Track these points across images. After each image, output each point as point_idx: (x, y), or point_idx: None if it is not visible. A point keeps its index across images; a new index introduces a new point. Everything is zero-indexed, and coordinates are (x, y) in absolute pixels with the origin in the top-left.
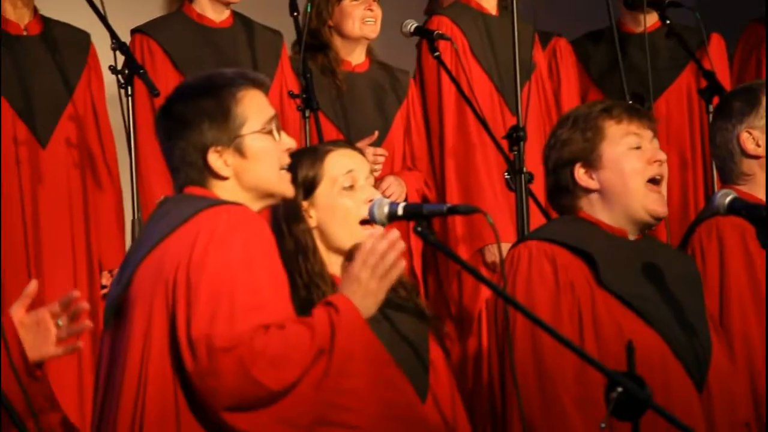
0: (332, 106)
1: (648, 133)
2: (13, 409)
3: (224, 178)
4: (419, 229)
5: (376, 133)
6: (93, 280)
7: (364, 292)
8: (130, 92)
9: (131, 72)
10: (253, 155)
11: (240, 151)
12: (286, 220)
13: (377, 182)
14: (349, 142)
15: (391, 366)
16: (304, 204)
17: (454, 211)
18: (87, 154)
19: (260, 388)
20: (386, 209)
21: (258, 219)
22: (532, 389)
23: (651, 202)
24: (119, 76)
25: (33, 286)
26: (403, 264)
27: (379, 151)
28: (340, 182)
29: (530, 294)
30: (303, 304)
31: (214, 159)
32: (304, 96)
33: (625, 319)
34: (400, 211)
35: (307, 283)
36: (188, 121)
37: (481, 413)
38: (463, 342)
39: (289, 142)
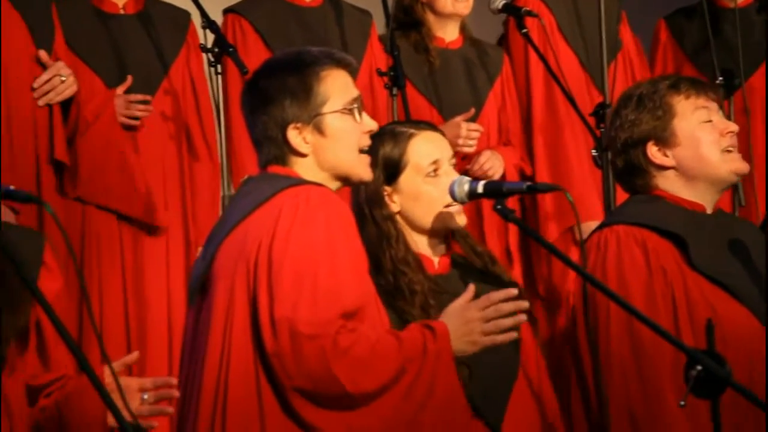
0: (425, 83)
1: (714, 105)
2: None
3: (303, 155)
4: (498, 207)
5: (473, 110)
6: (189, 255)
7: (465, 338)
8: (219, 70)
9: (221, 50)
10: (332, 134)
11: (319, 129)
12: (369, 206)
13: (474, 156)
14: (432, 124)
15: (466, 413)
16: (387, 189)
17: (533, 189)
18: (184, 129)
19: (335, 385)
20: (466, 187)
21: (338, 200)
22: (631, 379)
23: (732, 163)
24: (209, 54)
25: (134, 356)
26: (514, 336)
27: (474, 126)
28: (424, 170)
29: (623, 281)
30: (390, 290)
31: (293, 135)
32: (391, 74)
33: (717, 300)
34: (480, 189)
35: (393, 270)
36: (271, 97)
37: (564, 393)
38: (552, 322)
39: (370, 124)
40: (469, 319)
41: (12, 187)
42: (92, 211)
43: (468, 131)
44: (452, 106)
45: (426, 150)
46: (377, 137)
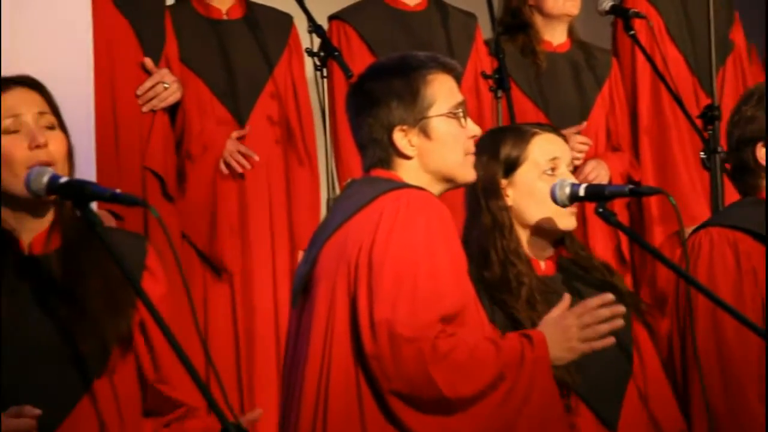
0: (532, 86)
1: None
2: None
3: (408, 158)
4: (600, 210)
5: (585, 123)
6: (294, 257)
7: (563, 345)
8: (325, 74)
9: (327, 54)
10: (438, 137)
11: (425, 133)
12: (485, 196)
13: (580, 167)
14: (555, 128)
15: (563, 421)
16: (503, 182)
17: (635, 192)
18: (287, 132)
19: (433, 389)
20: (568, 190)
21: (439, 204)
22: (715, 378)
23: None
24: (315, 58)
25: (257, 414)
26: (612, 341)
27: (582, 139)
28: (542, 166)
29: (712, 281)
30: (498, 282)
31: (399, 138)
32: (496, 77)
33: None
34: (581, 192)
35: (503, 260)
36: (377, 99)
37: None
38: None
39: (474, 130)
40: (566, 327)
41: (118, 191)
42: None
43: (577, 144)
44: (559, 110)
45: (547, 148)
46: (501, 132)
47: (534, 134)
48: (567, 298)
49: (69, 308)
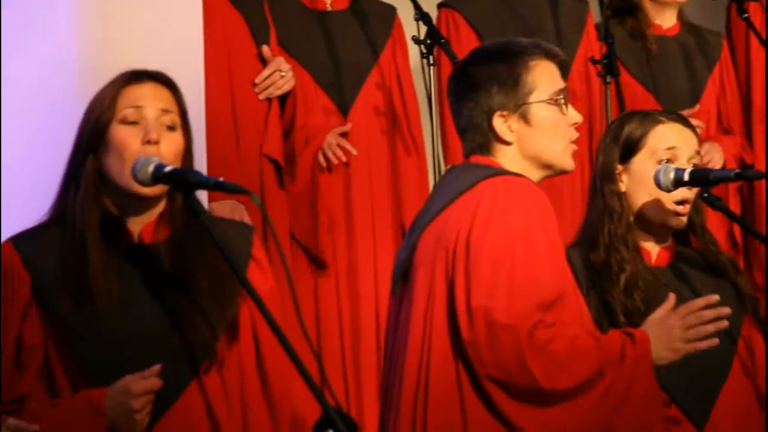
0: (642, 70)
1: None
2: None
3: (507, 144)
4: (705, 195)
5: (697, 107)
6: (398, 245)
7: (666, 346)
8: (432, 61)
9: (433, 42)
10: (538, 124)
11: (525, 119)
12: (601, 179)
13: None
14: (684, 118)
15: (662, 420)
16: (619, 167)
17: (741, 176)
18: (392, 122)
19: (529, 378)
20: (672, 175)
21: (537, 190)
22: None
23: None
24: (421, 45)
25: None
26: (715, 342)
27: (696, 122)
28: (658, 155)
29: None
30: (601, 266)
31: (498, 123)
32: (605, 62)
33: None
34: (686, 177)
35: (608, 244)
36: (478, 84)
37: None
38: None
39: (575, 117)
40: (670, 327)
41: (221, 179)
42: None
43: None
44: (670, 94)
45: (667, 137)
46: (628, 117)
47: (658, 122)
48: (672, 298)
49: (177, 297)
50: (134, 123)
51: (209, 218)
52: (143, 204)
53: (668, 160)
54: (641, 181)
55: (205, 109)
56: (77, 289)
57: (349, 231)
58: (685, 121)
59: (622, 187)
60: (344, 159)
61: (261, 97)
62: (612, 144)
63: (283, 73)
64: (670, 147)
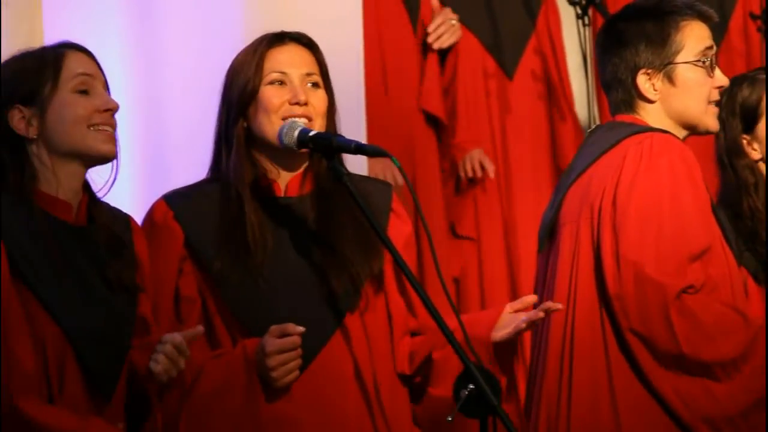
0: None
1: None
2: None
3: (650, 101)
4: None
5: None
6: None
7: None
8: (587, 22)
9: (588, 2)
10: (682, 84)
11: (669, 78)
12: (727, 155)
13: None
14: None
15: None
16: (746, 137)
17: None
18: (550, 86)
19: (671, 340)
20: None
21: (682, 146)
22: None
23: None
24: (576, 6)
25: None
26: None
27: None
28: None
29: None
30: (748, 236)
31: (642, 81)
32: (765, 17)
33: None
34: None
35: (750, 216)
36: (626, 40)
37: None
38: None
39: (721, 80)
40: None
41: (362, 142)
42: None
43: None
44: None
45: None
46: (735, 84)
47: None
48: None
49: (323, 247)
50: (281, 83)
51: (352, 178)
52: (290, 160)
53: None
54: None
55: (363, 73)
56: (234, 243)
57: (508, 193)
58: None
59: (756, 156)
60: (479, 174)
61: (435, 46)
62: (730, 117)
63: (453, 22)
64: None
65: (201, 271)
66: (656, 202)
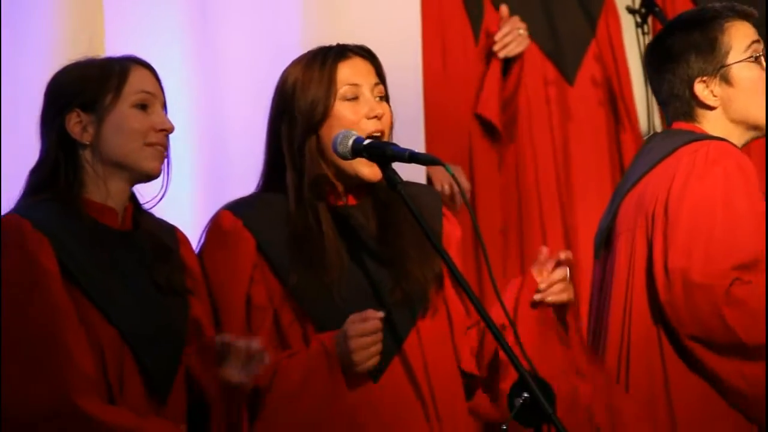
0: None
1: None
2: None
3: (711, 108)
4: None
5: None
6: None
7: None
8: (646, 30)
9: (647, 11)
10: (739, 83)
11: (726, 80)
12: None
13: None
14: None
15: None
16: None
17: None
18: (610, 93)
19: (730, 335)
20: None
21: (739, 154)
22: None
23: None
24: (635, 15)
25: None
26: None
27: None
28: None
29: None
30: None
31: (700, 89)
32: None
33: None
34: None
35: None
36: (675, 54)
37: None
38: None
39: None
40: None
41: (416, 151)
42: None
43: None
44: None
45: None
46: None
47: None
48: None
49: (387, 254)
50: (354, 99)
51: (404, 185)
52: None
53: None
54: None
55: (422, 82)
56: (309, 256)
57: (569, 199)
58: None
59: None
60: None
61: (501, 55)
62: None
63: (521, 31)
64: None
65: (274, 281)
66: (709, 209)
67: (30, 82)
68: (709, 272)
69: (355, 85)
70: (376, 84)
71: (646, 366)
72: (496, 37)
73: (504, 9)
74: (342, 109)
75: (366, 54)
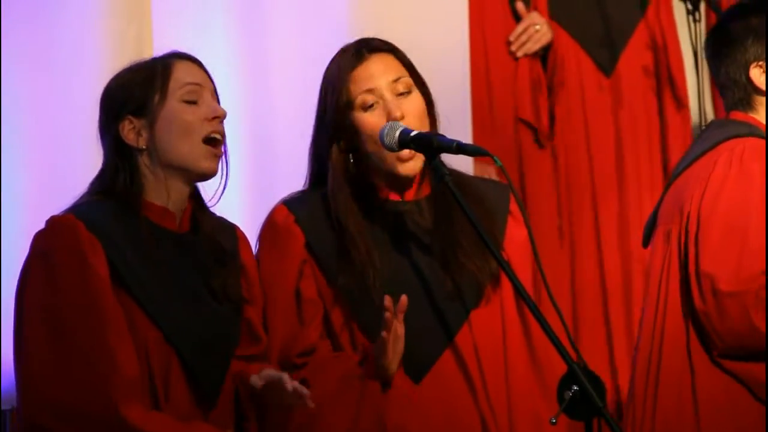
0: None
1: None
2: None
3: (766, 94)
4: None
5: None
6: None
7: None
8: (697, 17)
9: None
10: None
11: None
12: None
13: None
14: None
15: None
16: None
17: None
18: (657, 81)
19: (759, 338)
20: None
21: None
22: None
23: None
24: (687, 2)
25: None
26: None
27: None
28: None
29: None
30: None
31: (757, 74)
32: None
33: None
34: None
35: None
36: (734, 39)
37: None
38: None
39: None
40: None
41: (463, 142)
42: (571, 163)
43: None
44: None
45: None
46: None
47: None
48: None
49: (443, 247)
50: (373, 105)
51: (453, 181)
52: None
53: None
54: None
55: (469, 73)
56: (352, 263)
57: (621, 191)
58: None
59: None
60: None
61: (519, 53)
62: None
63: (537, 27)
64: None
65: (322, 280)
66: (743, 212)
67: (82, 82)
68: (738, 279)
69: (371, 89)
70: (396, 77)
71: (676, 371)
72: (511, 37)
73: (520, 5)
74: (361, 119)
75: (382, 47)
